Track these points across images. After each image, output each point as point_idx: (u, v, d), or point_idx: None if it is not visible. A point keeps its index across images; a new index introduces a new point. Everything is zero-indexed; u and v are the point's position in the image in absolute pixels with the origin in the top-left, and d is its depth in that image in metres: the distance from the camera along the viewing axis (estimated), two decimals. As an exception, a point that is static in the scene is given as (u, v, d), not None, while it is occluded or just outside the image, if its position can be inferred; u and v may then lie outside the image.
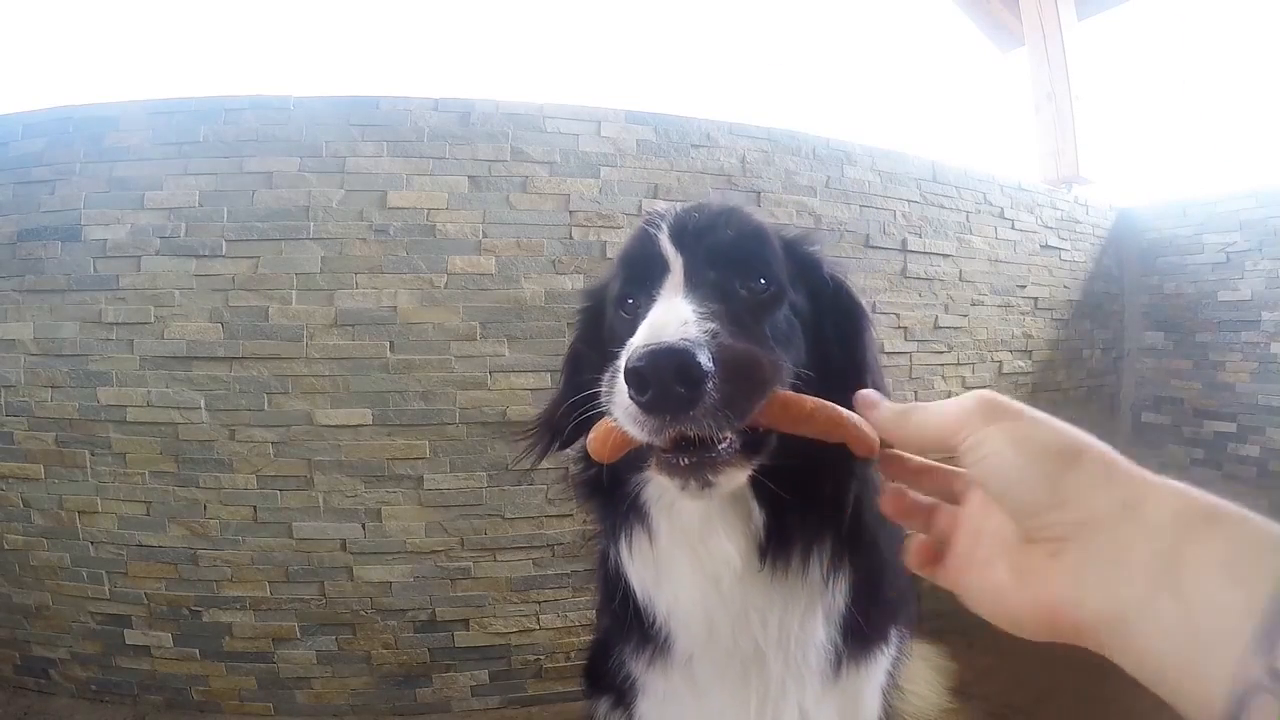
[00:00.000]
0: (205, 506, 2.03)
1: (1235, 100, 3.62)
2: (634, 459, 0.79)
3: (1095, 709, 2.10)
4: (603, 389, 0.72)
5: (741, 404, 0.65)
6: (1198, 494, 0.42)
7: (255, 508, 2.04)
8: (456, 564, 2.12)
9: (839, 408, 0.67)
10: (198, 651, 2.09)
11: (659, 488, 0.88)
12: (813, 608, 0.90)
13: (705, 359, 0.63)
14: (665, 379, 0.62)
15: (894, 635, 1.07)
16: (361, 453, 2.05)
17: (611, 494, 0.94)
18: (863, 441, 0.66)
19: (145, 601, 2.07)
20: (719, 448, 0.70)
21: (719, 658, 0.92)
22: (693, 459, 0.70)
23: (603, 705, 1.34)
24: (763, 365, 0.69)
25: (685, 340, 0.64)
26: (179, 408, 2.00)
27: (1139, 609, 0.40)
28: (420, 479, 2.08)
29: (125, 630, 2.08)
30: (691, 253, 0.85)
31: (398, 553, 2.09)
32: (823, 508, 0.87)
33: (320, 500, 2.05)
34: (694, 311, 0.73)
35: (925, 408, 0.58)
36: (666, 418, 0.64)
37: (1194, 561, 0.38)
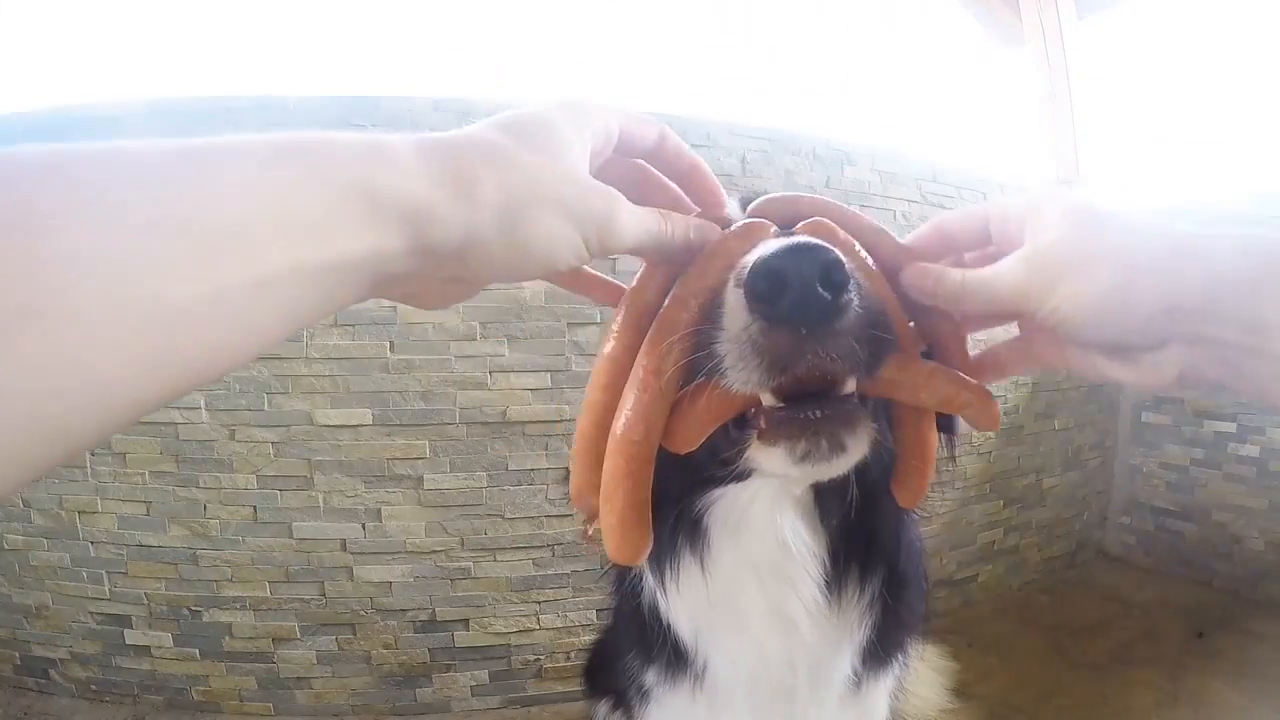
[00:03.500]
0: (205, 506, 2.03)
1: (1236, 100, 3.61)
2: (708, 464, 0.69)
3: (1095, 710, 2.11)
4: (698, 336, 0.56)
5: (879, 334, 0.54)
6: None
7: (255, 508, 2.04)
8: (456, 564, 2.12)
9: (959, 372, 0.60)
10: (198, 651, 2.09)
11: (729, 507, 0.78)
12: (849, 640, 0.86)
13: (847, 263, 0.52)
14: (807, 277, 0.49)
15: (908, 646, 1.04)
16: (361, 453, 2.05)
17: (659, 517, 0.80)
18: (988, 411, 0.59)
19: (145, 601, 2.07)
20: (850, 398, 0.59)
21: (755, 689, 0.88)
22: (825, 409, 0.57)
23: (603, 707, 1.34)
24: (885, 305, 0.57)
25: (823, 243, 0.52)
26: (179, 407, 2.00)
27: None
28: (420, 479, 2.07)
29: (125, 630, 2.08)
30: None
31: (398, 553, 2.09)
32: (882, 537, 0.81)
33: (320, 500, 2.05)
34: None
35: (982, 277, 0.53)
36: (802, 332, 0.51)
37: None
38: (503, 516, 2.13)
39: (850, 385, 0.58)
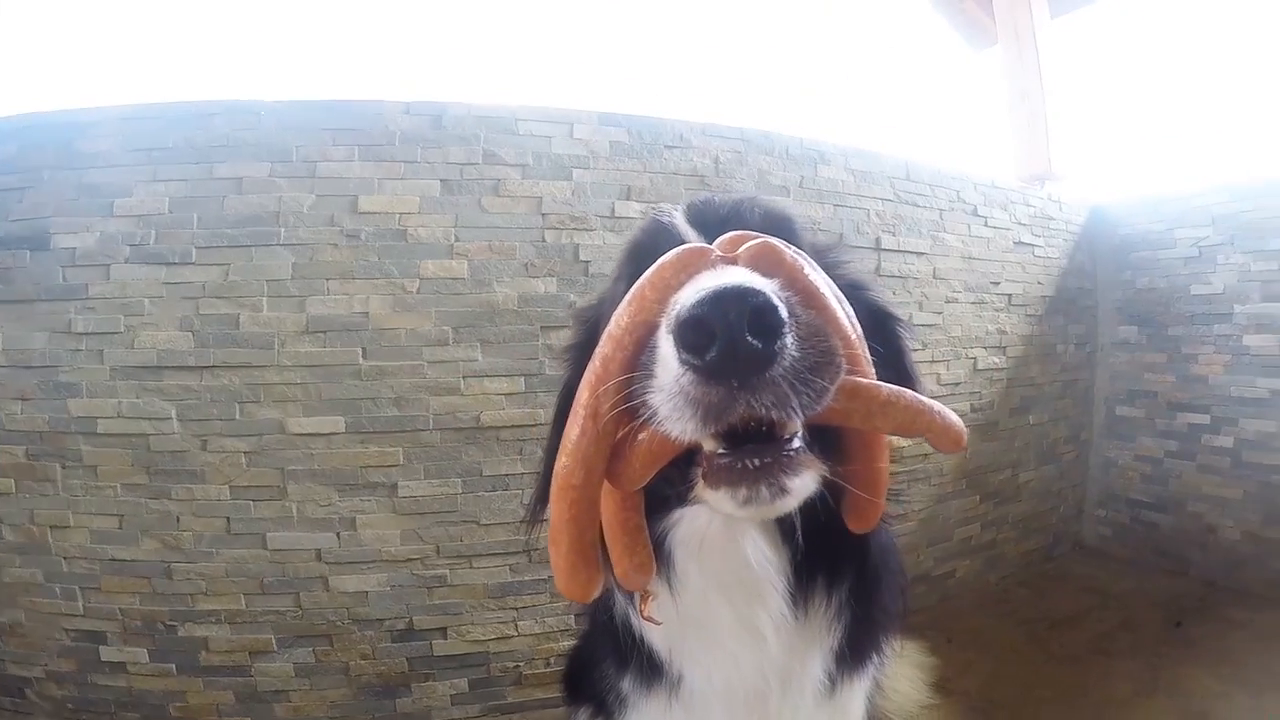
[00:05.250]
0: (178, 519, 2.01)
1: (1207, 96, 3.67)
2: (665, 490, 0.69)
3: (1075, 701, 2.12)
4: (635, 381, 0.56)
5: (817, 379, 0.52)
6: None
7: (228, 519, 2.01)
8: (433, 572, 2.10)
9: (919, 395, 0.58)
10: (174, 667, 2.06)
11: (691, 529, 0.78)
12: (819, 645, 0.87)
13: (781, 305, 0.50)
14: (735, 327, 0.48)
15: (884, 646, 1.04)
16: (335, 461, 2.03)
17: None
18: (949, 434, 0.57)
19: (120, 617, 2.04)
20: (791, 443, 0.57)
21: (730, 697, 0.89)
22: (765, 457, 0.56)
23: (583, 714, 1.33)
24: (832, 336, 0.55)
25: (754, 283, 0.51)
26: (150, 418, 1.98)
27: None
28: (394, 486, 2.06)
29: (100, 647, 2.05)
30: (717, 237, 0.70)
31: (373, 562, 2.07)
32: (846, 545, 0.80)
33: (294, 510, 2.03)
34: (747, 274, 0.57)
35: None
36: (733, 384, 0.49)
37: None
38: (478, 523, 2.12)
39: (794, 426, 0.57)
